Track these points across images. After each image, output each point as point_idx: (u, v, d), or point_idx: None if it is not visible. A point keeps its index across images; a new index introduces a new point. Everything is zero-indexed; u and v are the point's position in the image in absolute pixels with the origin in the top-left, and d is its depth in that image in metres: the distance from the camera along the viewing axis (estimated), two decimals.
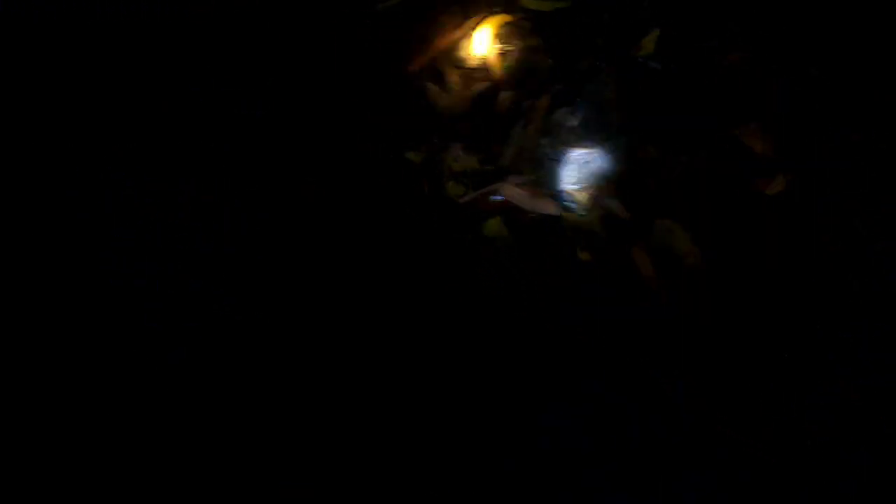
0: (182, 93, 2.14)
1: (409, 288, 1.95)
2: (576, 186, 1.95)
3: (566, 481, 1.72)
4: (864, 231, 1.80)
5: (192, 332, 1.90)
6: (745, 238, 1.86)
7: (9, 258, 1.98)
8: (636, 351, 1.81)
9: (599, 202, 1.93)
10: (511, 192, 1.97)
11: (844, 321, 1.76)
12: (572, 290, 1.89)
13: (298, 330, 1.92)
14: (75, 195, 2.04)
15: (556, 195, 1.95)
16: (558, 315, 1.87)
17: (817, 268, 1.81)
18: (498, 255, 1.95)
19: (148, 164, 2.08)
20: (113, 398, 1.84)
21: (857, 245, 1.79)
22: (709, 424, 1.73)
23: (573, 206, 1.94)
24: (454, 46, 2.15)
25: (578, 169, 1.96)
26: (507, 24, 2.14)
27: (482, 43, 2.13)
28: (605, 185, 1.94)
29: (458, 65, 2.14)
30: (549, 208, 1.94)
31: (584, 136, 2.01)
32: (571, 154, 1.98)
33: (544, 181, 1.98)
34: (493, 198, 1.97)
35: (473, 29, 2.14)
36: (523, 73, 2.11)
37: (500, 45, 2.13)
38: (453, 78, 2.12)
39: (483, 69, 2.12)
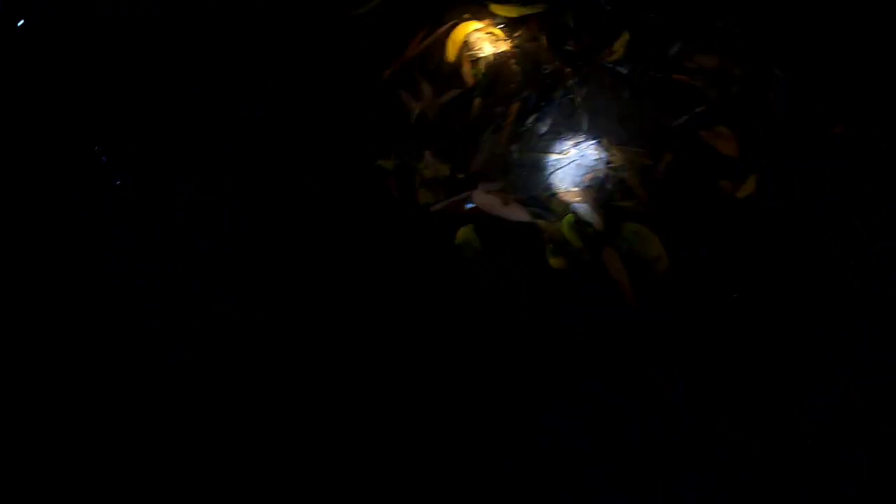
0: (182, 93, 2.14)
1: (409, 288, 1.95)
2: (547, 192, 1.95)
3: (566, 481, 1.71)
4: (864, 231, 1.80)
5: (192, 332, 1.90)
6: (717, 239, 1.86)
7: (9, 258, 1.98)
8: (636, 351, 1.81)
9: (570, 208, 1.92)
10: (482, 199, 1.96)
11: (844, 321, 1.76)
12: (572, 290, 1.89)
13: (298, 330, 1.91)
14: (75, 195, 2.04)
15: (528, 202, 1.95)
16: (558, 315, 1.87)
17: (817, 268, 1.81)
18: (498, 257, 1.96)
19: (148, 164, 2.08)
20: (113, 398, 1.84)
21: (857, 245, 1.79)
22: (709, 424, 1.73)
23: (544, 212, 1.93)
24: (425, 54, 2.15)
25: (549, 175, 1.96)
26: (477, 31, 2.14)
27: (453, 50, 2.13)
28: (576, 191, 1.94)
29: (430, 72, 2.13)
30: (521, 215, 1.93)
31: (555, 142, 2.01)
32: (542, 160, 1.98)
33: (515, 188, 1.98)
34: (464, 205, 1.97)
35: (445, 36, 2.14)
36: (494, 79, 2.11)
37: (470, 52, 2.13)
38: (425, 85, 2.12)
39: (454, 76, 2.12)
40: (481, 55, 2.12)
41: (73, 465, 1.77)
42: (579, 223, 1.91)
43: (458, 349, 1.87)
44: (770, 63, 1.96)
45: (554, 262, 1.90)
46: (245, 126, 2.11)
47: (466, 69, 2.12)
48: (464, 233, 1.95)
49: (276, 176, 2.07)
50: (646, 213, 1.89)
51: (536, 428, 1.77)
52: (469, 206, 1.96)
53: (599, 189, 1.94)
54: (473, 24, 2.15)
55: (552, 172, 1.96)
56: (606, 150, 1.96)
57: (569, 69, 2.06)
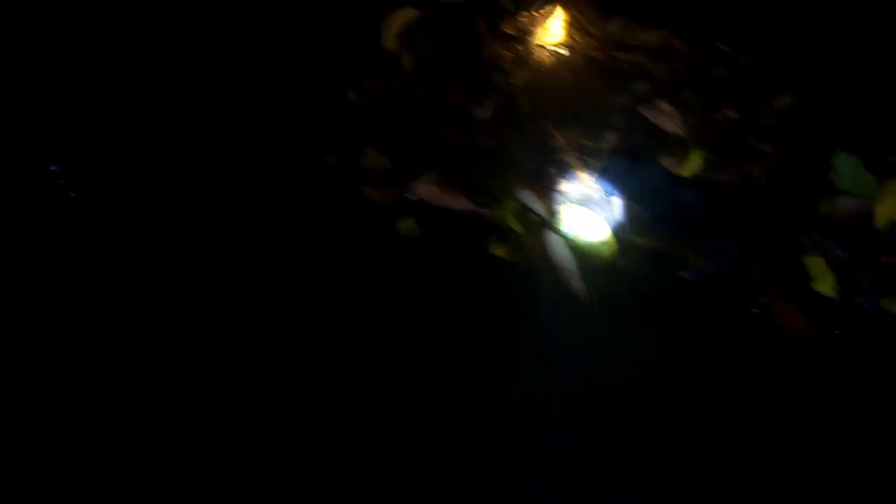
0: (182, 93, 2.14)
1: (409, 288, 1.95)
2: (489, 180, 1.92)
3: (566, 481, 1.71)
4: (864, 230, 1.80)
5: (192, 332, 1.90)
6: (664, 218, 1.84)
7: (9, 258, 1.98)
8: (636, 351, 1.81)
9: (514, 195, 1.90)
10: (424, 189, 1.95)
11: (844, 321, 1.76)
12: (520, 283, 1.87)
13: (298, 330, 1.92)
14: (75, 195, 2.04)
15: (470, 191, 1.93)
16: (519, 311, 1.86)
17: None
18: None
19: (148, 164, 2.08)
20: (113, 398, 1.84)
21: (856, 241, 1.79)
22: (709, 424, 1.73)
23: (487, 200, 1.91)
24: (365, 43, 2.10)
25: (491, 162, 1.93)
26: (416, 18, 2.09)
27: (393, 38, 2.09)
28: (519, 178, 1.91)
29: (370, 62, 2.09)
30: (463, 204, 1.92)
31: (496, 128, 1.98)
32: (484, 148, 1.96)
33: (458, 177, 1.95)
34: (407, 196, 1.95)
35: (385, 25, 2.09)
36: (433, 67, 2.07)
37: (410, 40, 2.09)
38: (365, 75, 2.08)
39: (395, 65, 2.08)
40: (420, 43, 2.08)
41: (73, 465, 1.77)
42: (523, 210, 1.89)
43: (459, 348, 1.87)
44: (714, 37, 1.93)
45: (497, 250, 1.88)
46: (245, 126, 2.11)
47: (406, 58, 2.07)
48: (406, 223, 1.93)
49: (276, 176, 2.07)
50: (591, 197, 1.87)
51: (536, 428, 1.77)
52: (411, 196, 1.93)
53: (542, 174, 1.92)
54: (413, 12, 2.11)
55: (495, 160, 1.94)
56: (549, 133, 1.94)
57: (510, 53, 2.03)
